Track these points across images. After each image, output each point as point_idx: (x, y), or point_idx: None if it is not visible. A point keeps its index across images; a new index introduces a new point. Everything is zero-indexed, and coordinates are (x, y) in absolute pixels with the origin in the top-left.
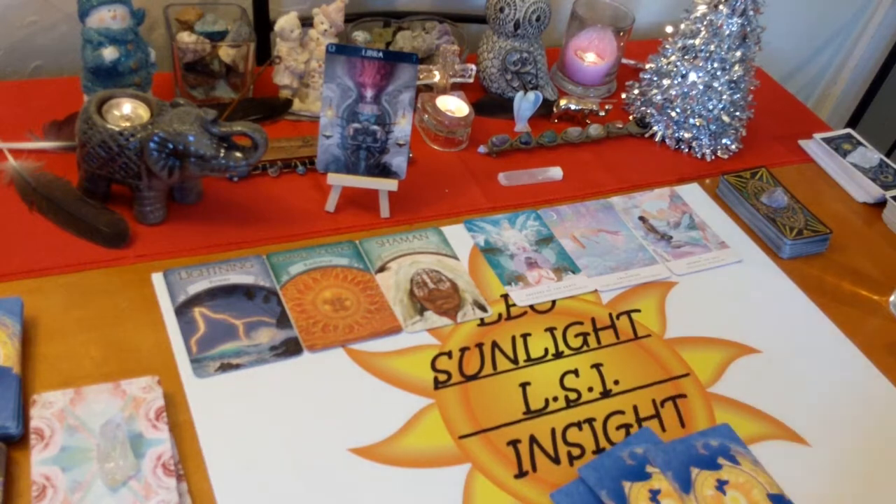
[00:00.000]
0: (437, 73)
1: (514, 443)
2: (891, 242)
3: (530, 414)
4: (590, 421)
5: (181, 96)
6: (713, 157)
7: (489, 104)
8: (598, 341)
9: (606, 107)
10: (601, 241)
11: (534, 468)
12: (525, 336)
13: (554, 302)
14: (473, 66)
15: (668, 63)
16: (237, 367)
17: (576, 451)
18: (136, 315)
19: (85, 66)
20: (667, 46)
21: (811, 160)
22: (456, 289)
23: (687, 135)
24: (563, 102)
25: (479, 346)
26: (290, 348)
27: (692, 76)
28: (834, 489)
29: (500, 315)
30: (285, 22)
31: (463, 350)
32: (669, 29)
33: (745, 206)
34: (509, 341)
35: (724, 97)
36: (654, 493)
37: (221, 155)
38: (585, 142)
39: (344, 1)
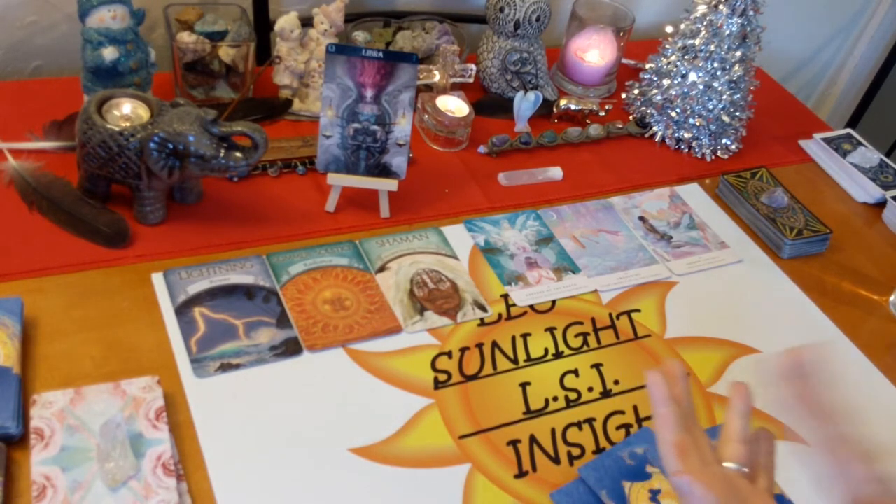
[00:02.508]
0: (437, 73)
1: (514, 443)
2: (891, 242)
3: (530, 414)
4: (590, 421)
5: (181, 96)
6: (713, 157)
7: (489, 104)
8: (598, 341)
9: (606, 107)
10: (601, 241)
11: (534, 468)
12: (525, 336)
13: (554, 302)
14: (473, 66)
15: (668, 63)
16: (237, 367)
17: (576, 451)
18: (136, 315)
19: (85, 66)
20: (667, 46)
21: (811, 160)
22: (456, 289)
23: (687, 135)
24: (563, 102)
25: (479, 346)
26: (290, 348)
27: (692, 76)
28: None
29: (500, 315)
30: (285, 22)
31: (463, 350)
32: (669, 29)
33: (745, 206)
34: (509, 341)
35: (724, 97)
36: (654, 493)
37: (221, 155)
38: (585, 142)
39: (344, 1)
